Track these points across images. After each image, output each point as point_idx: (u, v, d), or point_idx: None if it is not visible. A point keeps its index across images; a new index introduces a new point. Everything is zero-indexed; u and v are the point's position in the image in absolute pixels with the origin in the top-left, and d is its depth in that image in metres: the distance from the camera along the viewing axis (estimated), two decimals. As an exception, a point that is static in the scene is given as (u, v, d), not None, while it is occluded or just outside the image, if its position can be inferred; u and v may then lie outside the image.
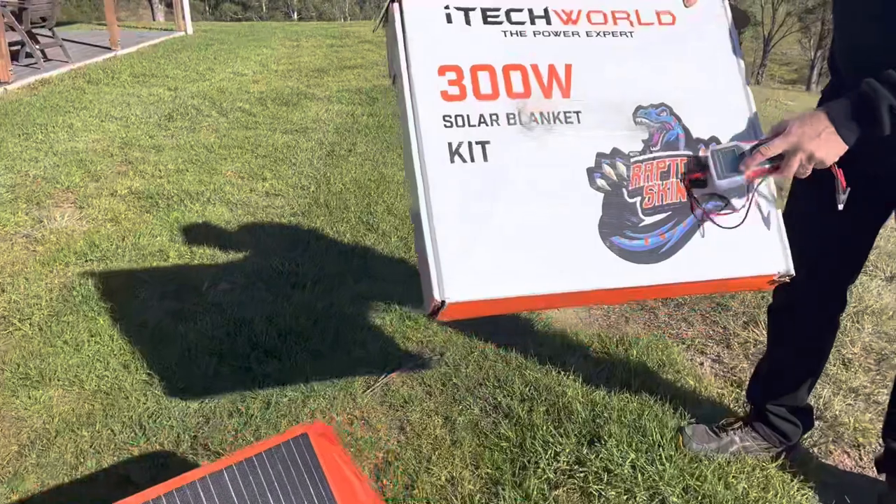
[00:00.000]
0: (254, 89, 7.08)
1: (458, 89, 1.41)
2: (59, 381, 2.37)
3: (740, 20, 1.70)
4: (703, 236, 1.49)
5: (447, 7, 1.48)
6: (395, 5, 1.44)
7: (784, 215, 1.65)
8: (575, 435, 2.09)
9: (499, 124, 1.42)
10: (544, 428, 2.11)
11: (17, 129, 5.40)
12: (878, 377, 2.46)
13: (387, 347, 2.59)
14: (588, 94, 1.50)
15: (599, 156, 1.47)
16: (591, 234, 1.42)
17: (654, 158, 1.50)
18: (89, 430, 2.13)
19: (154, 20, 12.65)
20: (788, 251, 1.52)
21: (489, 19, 1.49)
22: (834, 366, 2.51)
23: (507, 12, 1.52)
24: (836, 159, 1.37)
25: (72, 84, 7.11)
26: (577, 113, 1.48)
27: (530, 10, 1.53)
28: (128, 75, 7.66)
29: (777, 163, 1.42)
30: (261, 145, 5.13)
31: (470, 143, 1.39)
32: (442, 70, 1.42)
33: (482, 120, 1.41)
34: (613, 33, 1.57)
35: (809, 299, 1.81)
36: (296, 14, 42.75)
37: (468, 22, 1.48)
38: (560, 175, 1.43)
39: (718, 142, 1.54)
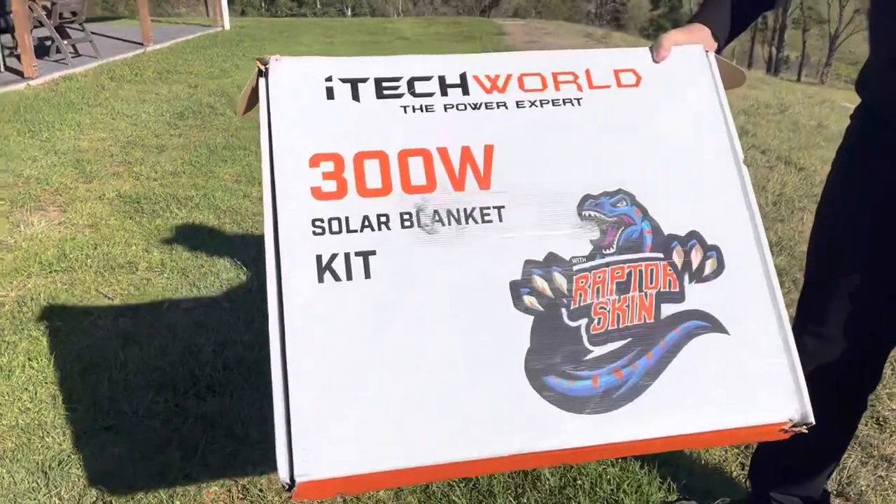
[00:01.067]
0: (275, 87, 6.87)
1: (334, 184, 1.08)
2: (-23, 413, 2.15)
3: (732, 78, 1.29)
4: (676, 371, 1.08)
5: (329, 79, 1.14)
6: (261, 80, 1.11)
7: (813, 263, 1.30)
8: (538, 508, 1.76)
9: (389, 228, 1.07)
10: (502, 497, 1.78)
11: (25, 126, 5.28)
12: (919, 443, 2.06)
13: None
14: (515, 182, 1.13)
15: (529, 264, 1.09)
16: (513, 374, 1.04)
17: (606, 265, 1.12)
18: (-11, 476, 1.89)
19: (208, 16, 12.57)
20: (804, 388, 1.09)
21: (385, 92, 1.15)
22: (865, 425, 2.11)
23: (410, 82, 1.17)
24: None
25: (94, 80, 7.02)
26: (500, 209, 1.11)
27: (441, 79, 1.18)
28: (152, 72, 7.55)
29: None
30: (266, 147, 4.90)
31: (347, 256, 1.04)
32: (315, 160, 1.08)
33: (366, 223, 1.07)
34: (554, 101, 1.20)
35: (837, 366, 1.44)
36: (349, 10, 42.92)
37: (356, 97, 1.14)
38: (472, 294, 1.07)
39: (700, 237, 1.15)
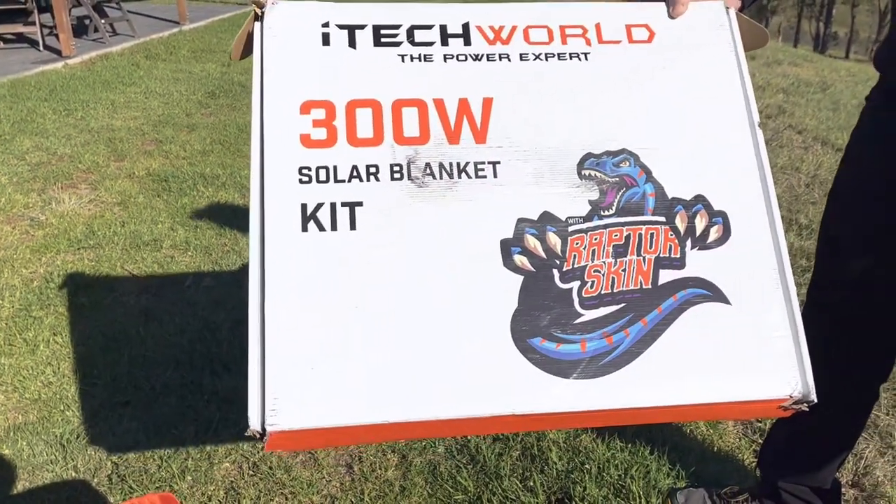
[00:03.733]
0: (307, 65, 6.89)
1: (324, 132, 1.04)
2: (2, 385, 2.21)
3: (753, 38, 1.21)
4: (671, 340, 1.03)
5: (326, 25, 1.10)
6: (257, 24, 1.08)
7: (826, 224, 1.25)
8: (543, 492, 1.75)
9: (378, 179, 1.03)
10: (509, 480, 1.78)
11: (61, 104, 5.38)
12: (943, 434, 2.00)
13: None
14: (512, 137, 1.08)
15: (522, 223, 1.05)
16: (498, 335, 1.00)
17: (604, 227, 1.07)
18: (10, 447, 1.95)
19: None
20: (808, 364, 1.03)
21: (383, 40, 1.11)
22: (888, 415, 2.06)
23: (410, 30, 1.12)
24: None
25: (129, 59, 7.11)
26: (495, 164, 1.07)
27: (443, 28, 1.12)
28: (187, 50, 7.62)
29: None
30: (294, 125, 4.92)
31: (333, 206, 1.01)
32: (306, 107, 1.05)
33: (354, 173, 1.03)
34: (560, 55, 1.13)
35: (850, 353, 1.40)
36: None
37: (353, 44, 1.10)
38: (460, 250, 1.02)
39: (706, 202, 1.09)
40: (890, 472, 1.84)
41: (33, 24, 7.35)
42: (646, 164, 1.10)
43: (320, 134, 1.04)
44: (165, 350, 2.36)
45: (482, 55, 1.12)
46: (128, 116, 5.18)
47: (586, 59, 1.14)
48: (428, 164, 1.06)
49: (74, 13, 7.80)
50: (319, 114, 1.05)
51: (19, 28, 7.49)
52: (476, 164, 1.07)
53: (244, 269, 2.93)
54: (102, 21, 7.98)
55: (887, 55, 1.29)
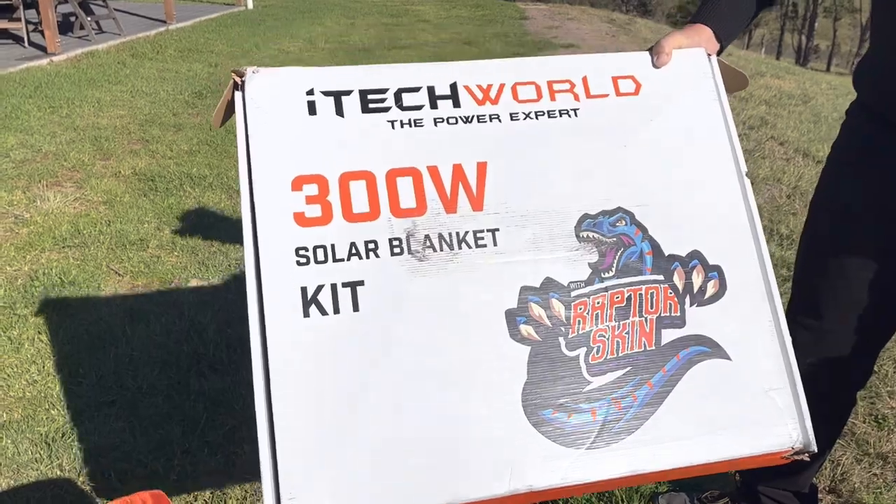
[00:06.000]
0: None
1: (319, 209, 1.01)
2: (-14, 383, 2.20)
3: (735, 82, 1.24)
4: (678, 401, 1.05)
5: (311, 92, 1.06)
6: (237, 93, 1.04)
7: (802, 252, 1.31)
8: (528, 494, 1.77)
9: (378, 256, 1.01)
10: (493, 483, 1.80)
11: (46, 102, 5.34)
12: (917, 442, 2.04)
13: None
14: (510, 202, 1.07)
15: (525, 291, 1.04)
16: (510, 410, 1.00)
17: (605, 289, 1.07)
18: (-5, 445, 1.94)
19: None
20: (807, 415, 1.08)
21: (371, 106, 1.08)
22: (864, 422, 2.10)
23: (398, 94, 1.10)
24: None
25: (115, 57, 7.07)
26: (493, 231, 1.06)
27: (431, 89, 1.11)
28: (173, 50, 7.59)
29: None
30: (282, 127, 4.92)
31: (334, 287, 0.99)
32: (298, 183, 1.02)
33: (353, 251, 1.01)
34: (549, 113, 1.13)
35: (828, 362, 1.43)
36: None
37: (340, 112, 1.07)
38: (466, 325, 1.02)
39: (702, 257, 1.12)
40: (866, 478, 1.89)
41: (18, 20, 7.29)
42: (641, 221, 1.11)
43: (315, 211, 1.02)
44: (152, 350, 2.36)
45: (472, 117, 1.11)
46: (114, 115, 5.15)
47: (576, 115, 1.15)
48: (427, 237, 1.04)
49: (60, 10, 7.75)
50: (312, 189, 1.02)
51: (4, 24, 7.42)
52: (475, 232, 1.06)
53: (231, 270, 2.94)
54: (88, 18, 7.93)
55: (861, 74, 1.33)
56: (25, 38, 7.31)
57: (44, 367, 2.28)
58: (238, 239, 3.19)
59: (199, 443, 1.96)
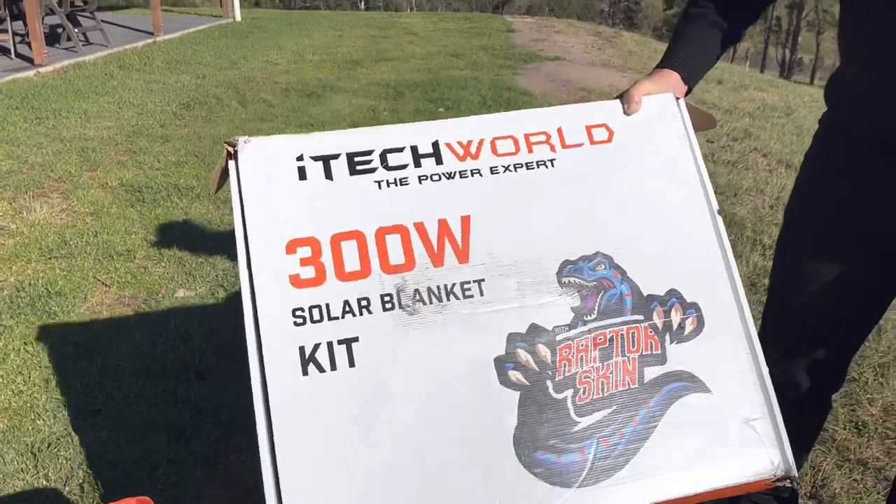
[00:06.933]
0: (282, 79, 6.92)
1: (312, 270, 1.07)
2: (-29, 394, 2.19)
3: (703, 122, 1.29)
4: (663, 435, 1.10)
5: (300, 158, 1.12)
6: (232, 162, 1.10)
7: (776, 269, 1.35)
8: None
9: (370, 312, 1.07)
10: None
11: (32, 113, 5.33)
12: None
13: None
14: (494, 253, 1.13)
15: (512, 338, 1.10)
16: (502, 453, 1.05)
17: (588, 332, 1.12)
18: (-20, 455, 1.94)
19: (220, 6, 12.64)
20: (787, 443, 1.12)
21: (358, 168, 1.14)
22: (844, 429, 2.14)
23: (383, 155, 1.16)
24: None
25: (103, 69, 7.07)
26: (479, 282, 1.11)
27: (414, 148, 1.17)
28: (161, 61, 7.60)
29: None
30: (269, 139, 4.92)
31: (330, 345, 1.04)
32: (292, 246, 1.07)
33: (347, 308, 1.06)
34: (528, 164, 1.19)
35: (803, 369, 1.46)
36: (363, 3, 42.88)
37: (329, 175, 1.13)
38: (458, 374, 1.07)
39: (679, 295, 1.17)
40: (847, 484, 1.91)
41: (5, 31, 7.27)
42: (620, 264, 1.16)
43: (309, 272, 1.07)
44: (138, 360, 2.36)
45: (455, 173, 1.17)
46: (101, 126, 5.15)
47: (553, 165, 1.20)
48: (417, 291, 1.09)
49: (47, 21, 7.74)
50: (306, 252, 1.07)
51: (-9, 35, 7.41)
52: (462, 284, 1.10)
53: (217, 280, 2.94)
54: (76, 30, 7.93)
55: (831, 90, 1.36)
56: (12, 50, 7.30)
57: (29, 377, 2.28)
58: (225, 249, 3.20)
59: (184, 452, 1.96)
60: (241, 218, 1.08)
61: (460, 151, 1.18)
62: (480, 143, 1.20)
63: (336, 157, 1.15)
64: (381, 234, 1.11)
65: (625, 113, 1.25)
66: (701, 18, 1.32)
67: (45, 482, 1.85)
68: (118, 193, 3.90)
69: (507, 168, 1.19)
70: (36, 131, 4.93)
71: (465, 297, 1.10)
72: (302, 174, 1.12)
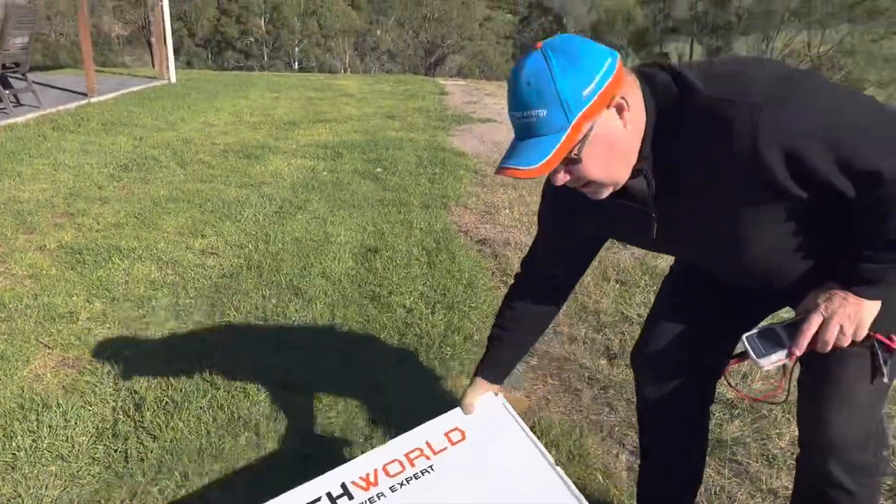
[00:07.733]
0: (220, 140, 7.00)
1: None
2: (-85, 460, 2.19)
3: (522, 404, 1.79)
4: None
5: None
6: None
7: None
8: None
9: None
10: None
11: (-37, 175, 5.28)
12: (804, 477, 2.28)
13: (284, 431, 2.42)
14: None
15: None
16: None
17: None
18: (-72, 520, 1.94)
19: (154, 67, 12.66)
20: None
21: None
22: (757, 461, 2.34)
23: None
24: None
25: (36, 130, 7.03)
26: None
27: (329, 494, 1.46)
28: (97, 123, 7.60)
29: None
30: (210, 200, 5.00)
31: None
32: None
33: None
34: (415, 476, 1.51)
35: (673, 393, 1.67)
36: (296, 63, 43.28)
37: None
38: None
39: None
40: (761, 511, 2.10)
41: (-68, 92, 7.18)
42: None
43: None
44: (88, 420, 2.39)
45: (365, 501, 1.46)
46: (36, 188, 5.14)
47: (432, 470, 1.53)
48: None
49: (-23, 83, 7.67)
50: None
51: (-83, 96, 7.29)
52: None
53: (164, 341, 2.99)
54: (7, 92, 7.87)
55: None
56: (-60, 111, 7.19)
57: (-25, 441, 2.28)
58: (170, 309, 3.25)
59: (139, 508, 2.01)
60: None
61: (363, 484, 1.48)
62: (375, 472, 1.50)
63: None
64: None
65: (465, 414, 1.62)
66: (511, 317, 1.66)
67: (-3, 544, 1.87)
68: (57, 256, 3.90)
69: (401, 483, 1.49)
70: (-32, 194, 4.88)
71: None
72: None
